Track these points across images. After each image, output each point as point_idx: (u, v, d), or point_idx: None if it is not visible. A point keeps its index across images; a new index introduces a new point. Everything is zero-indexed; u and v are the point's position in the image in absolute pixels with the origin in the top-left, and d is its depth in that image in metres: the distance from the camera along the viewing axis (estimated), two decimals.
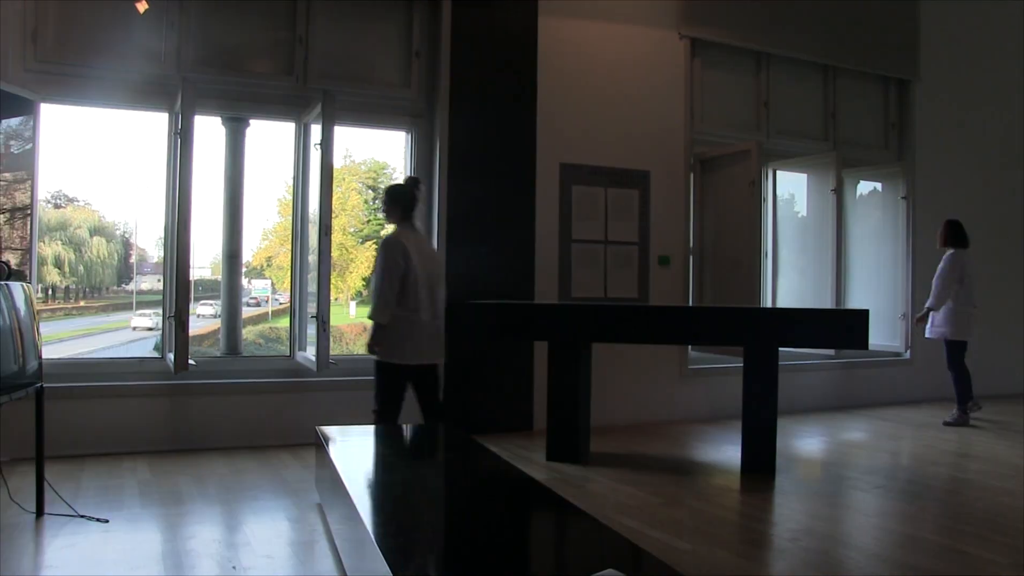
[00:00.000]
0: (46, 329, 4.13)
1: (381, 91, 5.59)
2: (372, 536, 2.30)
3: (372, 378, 4.41)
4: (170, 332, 4.87)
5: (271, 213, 24.49)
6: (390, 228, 4.52)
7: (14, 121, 4.63)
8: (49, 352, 4.10)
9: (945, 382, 6.37)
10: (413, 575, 2.08)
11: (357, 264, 22.16)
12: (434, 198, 5.58)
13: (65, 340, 15.37)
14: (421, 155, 5.68)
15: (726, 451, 5.15)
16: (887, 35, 7.30)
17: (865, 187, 7.55)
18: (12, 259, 4.52)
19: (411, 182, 4.56)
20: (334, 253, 5.32)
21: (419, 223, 4.62)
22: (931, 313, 6.26)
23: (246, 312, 16.17)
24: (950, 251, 6.28)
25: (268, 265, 21.30)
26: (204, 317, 17.29)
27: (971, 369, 6.24)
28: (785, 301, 7.02)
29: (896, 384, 7.27)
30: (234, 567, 2.91)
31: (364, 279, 22.55)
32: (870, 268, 7.17)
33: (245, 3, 5.20)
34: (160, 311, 5.18)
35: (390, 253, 4.25)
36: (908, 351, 7.19)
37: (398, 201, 4.42)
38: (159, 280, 5.71)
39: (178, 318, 4.58)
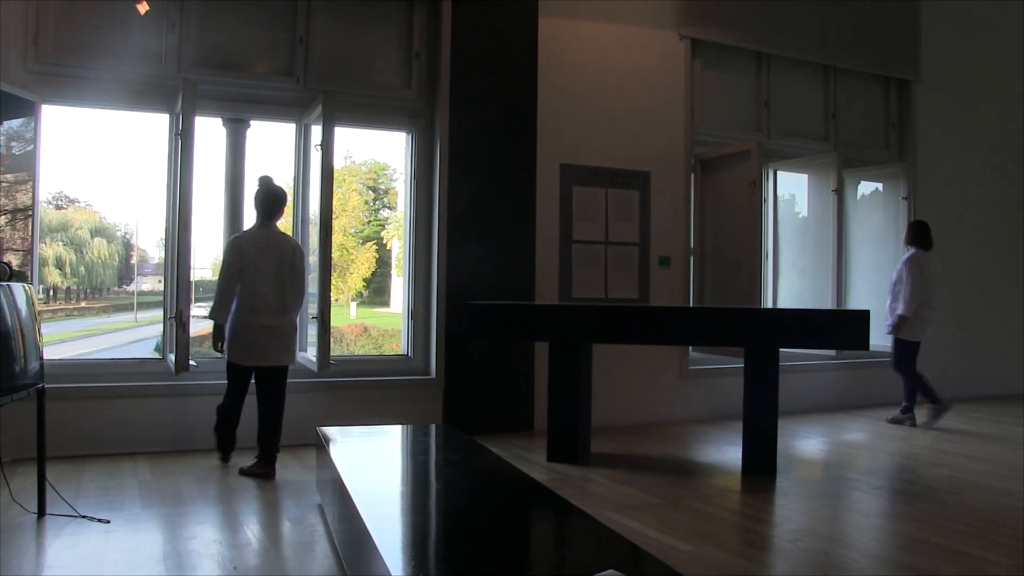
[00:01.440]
0: (47, 330, 4.12)
1: (381, 92, 5.59)
2: (373, 537, 2.30)
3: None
4: (171, 333, 4.88)
5: None
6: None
7: (15, 122, 4.64)
8: (50, 353, 4.10)
9: (945, 383, 6.37)
10: None
11: (358, 265, 22.18)
12: (434, 199, 5.58)
13: (66, 341, 15.38)
14: (421, 156, 5.69)
15: (727, 452, 5.15)
16: (888, 35, 7.30)
17: (866, 187, 7.55)
18: (14, 260, 4.52)
19: (260, 181, 4.57)
20: (334, 254, 5.32)
21: (281, 221, 4.68)
22: (894, 314, 6.15)
23: None
24: (910, 252, 6.22)
25: None
26: None
27: (971, 370, 6.23)
28: (786, 302, 7.02)
29: (897, 385, 7.25)
30: (235, 568, 2.92)
31: (364, 280, 22.57)
32: (871, 269, 7.16)
33: (245, 4, 5.20)
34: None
35: (227, 253, 4.41)
36: None
37: (254, 201, 4.52)
38: (160, 281, 5.71)
39: (179, 319, 4.59)
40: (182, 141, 4.60)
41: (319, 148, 4.96)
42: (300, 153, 5.50)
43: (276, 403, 4.45)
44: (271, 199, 4.48)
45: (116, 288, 20.63)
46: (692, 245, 6.49)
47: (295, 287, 4.45)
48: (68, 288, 19.26)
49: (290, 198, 5.58)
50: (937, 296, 6.25)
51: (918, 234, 6.26)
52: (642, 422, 6.11)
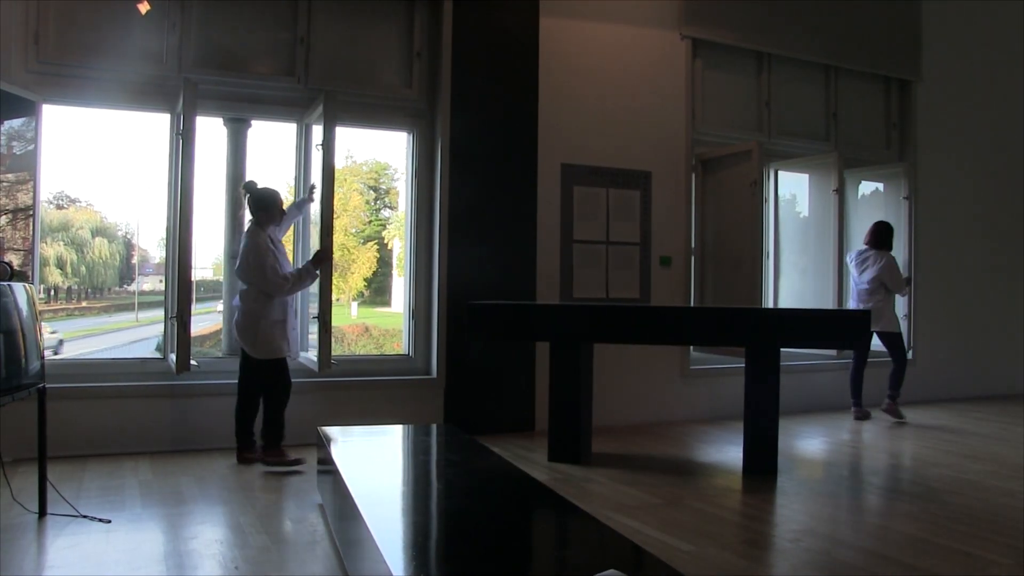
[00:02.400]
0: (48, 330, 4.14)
1: (382, 92, 5.59)
2: (373, 536, 2.30)
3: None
4: (172, 333, 4.88)
5: None
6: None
7: (16, 122, 4.64)
8: (51, 353, 4.10)
9: (949, 383, 6.38)
10: None
11: (359, 265, 22.20)
12: (435, 198, 5.58)
13: (67, 341, 15.39)
14: (422, 156, 5.69)
15: (727, 452, 5.15)
16: (889, 35, 7.30)
17: (867, 187, 7.54)
18: (15, 260, 4.52)
19: (245, 187, 4.76)
20: (336, 254, 5.32)
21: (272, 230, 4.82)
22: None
23: None
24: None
25: None
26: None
27: (971, 370, 6.25)
28: (787, 301, 7.02)
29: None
30: (236, 567, 2.92)
31: (365, 279, 22.60)
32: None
33: (246, 4, 5.21)
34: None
35: None
36: (910, 351, 7.18)
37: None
38: (161, 281, 5.72)
39: (180, 319, 4.59)
40: (183, 141, 4.60)
41: (320, 148, 4.96)
42: (301, 153, 5.50)
43: (264, 393, 4.60)
44: (253, 202, 4.64)
45: (117, 288, 20.63)
46: (693, 245, 6.49)
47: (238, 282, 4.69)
48: (69, 288, 19.27)
49: (291, 197, 5.59)
50: (862, 296, 6.39)
51: (871, 234, 6.47)
52: (643, 422, 6.11)
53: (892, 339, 6.37)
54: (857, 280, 6.41)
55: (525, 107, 5.78)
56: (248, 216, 4.74)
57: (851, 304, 6.47)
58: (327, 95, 4.93)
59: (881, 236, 6.42)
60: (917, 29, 7.42)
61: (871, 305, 6.23)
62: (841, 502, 4.04)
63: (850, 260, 6.51)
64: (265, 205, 4.60)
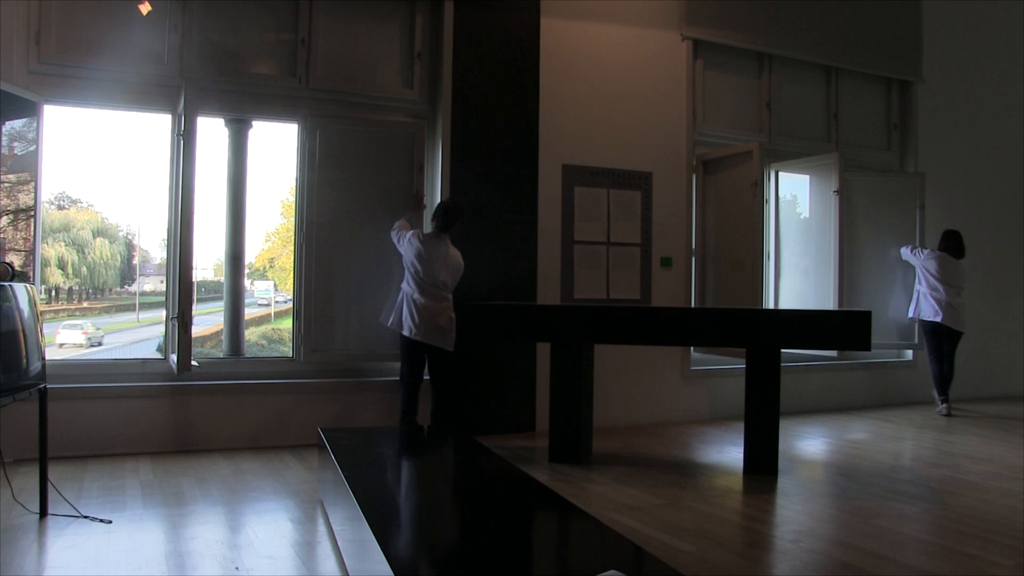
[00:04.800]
0: (49, 330, 4.15)
1: (383, 92, 5.59)
2: (374, 537, 2.31)
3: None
4: (173, 333, 4.89)
5: (274, 214, 24.55)
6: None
7: (17, 123, 4.65)
8: (52, 353, 4.11)
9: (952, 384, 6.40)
10: None
11: None
12: (436, 200, 5.58)
13: (68, 342, 15.37)
14: (423, 156, 5.68)
15: (728, 452, 5.15)
16: (890, 36, 7.30)
17: (872, 190, 7.52)
18: (16, 260, 4.53)
19: (452, 201, 5.21)
20: None
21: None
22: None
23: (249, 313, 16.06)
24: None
25: (271, 266, 21.35)
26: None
27: (971, 370, 6.29)
28: (787, 302, 7.01)
29: (899, 385, 7.26)
30: (237, 568, 2.92)
31: None
32: (875, 269, 7.16)
33: (247, 5, 5.21)
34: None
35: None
36: (911, 352, 7.18)
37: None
38: (162, 281, 5.73)
39: (181, 319, 4.59)
40: (184, 141, 4.61)
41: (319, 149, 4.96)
42: (302, 153, 5.49)
43: (446, 380, 5.04)
44: (455, 214, 5.05)
45: (118, 288, 20.63)
46: (694, 246, 6.49)
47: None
48: (70, 288, 19.27)
49: (292, 197, 5.59)
50: (950, 295, 6.61)
51: (955, 243, 6.75)
52: (644, 422, 6.11)
53: (957, 340, 6.60)
54: (941, 280, 6.57)
55: (526, 108, 5.78)
56: (430, 222, 5.12)
57: (924, 303, 6.67)
58: (328, 96, 4.90)
59: (962, 245, 6.71)
60: (918, 29, 7.42)
61: (955, 306, 6.54)
62: (841, 503, 4.04)
63: (923, 260, 6.69)
64: (458, 220, 5.04)
